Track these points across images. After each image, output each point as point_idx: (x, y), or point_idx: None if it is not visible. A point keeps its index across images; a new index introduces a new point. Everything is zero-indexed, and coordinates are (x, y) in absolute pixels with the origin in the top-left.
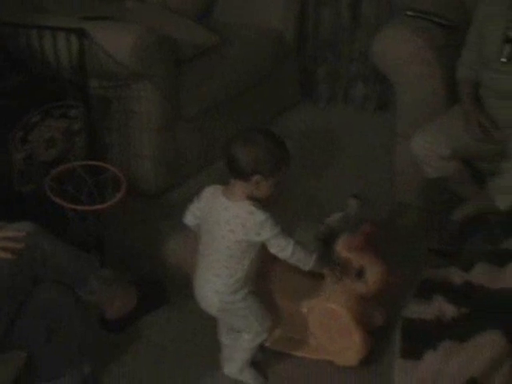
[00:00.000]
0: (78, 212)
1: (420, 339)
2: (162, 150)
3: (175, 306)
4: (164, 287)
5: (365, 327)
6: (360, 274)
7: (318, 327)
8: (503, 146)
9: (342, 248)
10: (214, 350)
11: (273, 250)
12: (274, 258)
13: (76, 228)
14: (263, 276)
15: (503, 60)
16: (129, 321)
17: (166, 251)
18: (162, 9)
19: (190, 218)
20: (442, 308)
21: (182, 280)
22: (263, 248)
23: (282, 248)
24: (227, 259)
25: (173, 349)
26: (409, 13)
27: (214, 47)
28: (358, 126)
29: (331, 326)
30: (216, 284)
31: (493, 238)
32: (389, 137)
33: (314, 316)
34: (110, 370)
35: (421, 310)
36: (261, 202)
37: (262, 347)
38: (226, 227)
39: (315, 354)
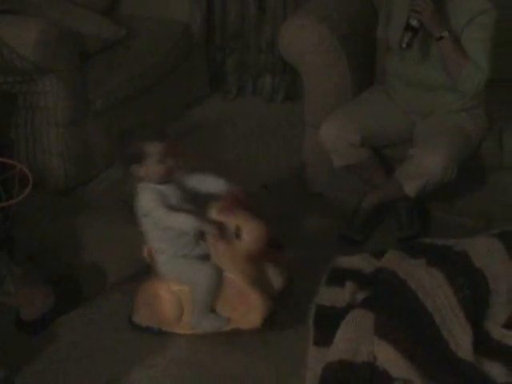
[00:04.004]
0: None
1: (332, 326)
2: (70, 145)
3: (89, 303)
4: (79, 285)
5: (263, 289)
6: (238, 234)
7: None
8: (410, 132)
9: (213, 215)
10: (130, 347)
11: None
12: None
13: None
14: None
15: (403, 46)
16: (45, 321)
17: (78, 247)
18: (65, 2)
19: None
20: (353, 295)
21: (95, 276)
22: None
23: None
24: None
25: (88, 347)
26: None
27: (120, 40)
28: (268, 117)
29: (228, 294)
30: None
31: (400, 224)
32: (298, 127)
33: None
34: (24, 370)
35: (333, 298)
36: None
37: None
38: None
39: None
